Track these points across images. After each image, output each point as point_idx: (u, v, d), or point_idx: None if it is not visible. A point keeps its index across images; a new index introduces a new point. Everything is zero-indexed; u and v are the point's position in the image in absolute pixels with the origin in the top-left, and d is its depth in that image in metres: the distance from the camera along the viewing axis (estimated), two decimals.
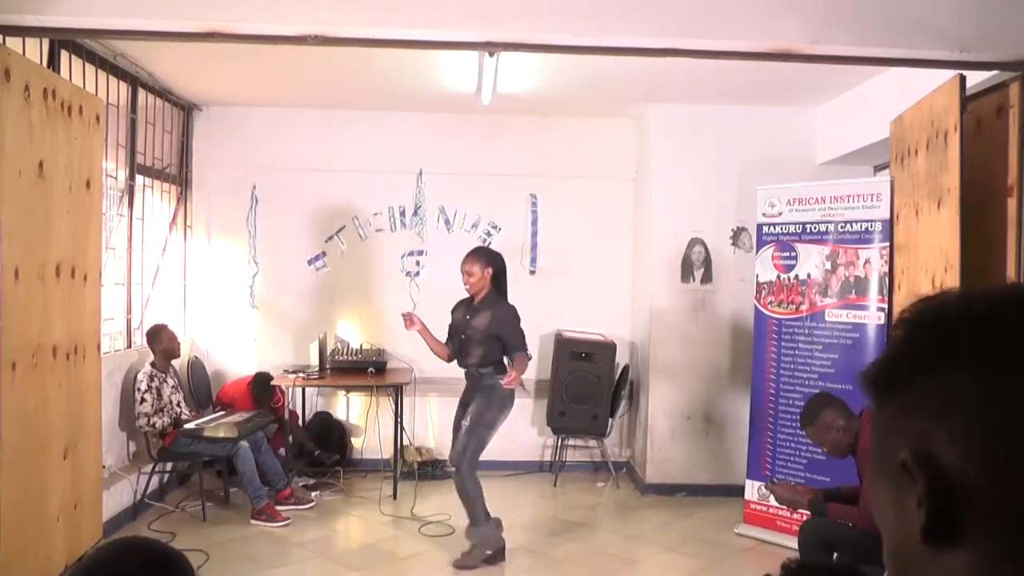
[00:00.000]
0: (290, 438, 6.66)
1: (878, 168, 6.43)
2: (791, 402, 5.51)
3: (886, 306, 5.06)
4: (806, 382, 5.44)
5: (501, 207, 7.31)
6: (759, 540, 5.57)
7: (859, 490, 3.94)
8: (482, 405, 4.93)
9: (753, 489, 5.71)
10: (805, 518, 4.32)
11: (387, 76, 5.99)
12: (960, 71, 4.15)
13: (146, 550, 1.39)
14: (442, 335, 5.14)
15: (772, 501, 5.42)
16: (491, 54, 4.74)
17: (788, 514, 5.25)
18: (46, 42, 4.67)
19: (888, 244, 5.07)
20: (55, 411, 4.35)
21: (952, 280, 4.10)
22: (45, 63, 4.64)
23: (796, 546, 4.17)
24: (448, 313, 5.19)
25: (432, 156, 7.23)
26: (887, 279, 5.07)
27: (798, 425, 5.40)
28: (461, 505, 4.93)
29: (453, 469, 4.99)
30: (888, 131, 5.11)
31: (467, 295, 5.06)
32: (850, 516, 3.84)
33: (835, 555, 3.95)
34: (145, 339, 5.97)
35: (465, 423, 4.93)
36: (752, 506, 5.71)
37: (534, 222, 7.34)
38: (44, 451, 4.25)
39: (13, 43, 4.06)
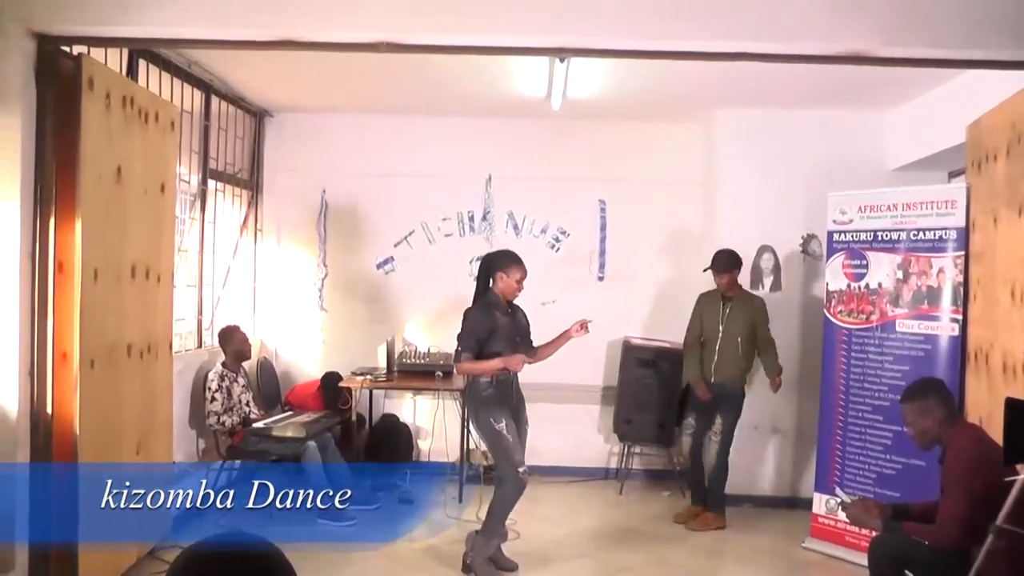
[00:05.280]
0: (363, 434, 6.70)
1: (953, 174, 6.24)
2: (860, 414, 5.38)
3: (960, 317, 4.91)
4: (876, 394, 5.30)
5: (569, 212, 7.29)
6: (827, 555, 5.44)
7: (931, 506, 3.82)
8: (525, 405, 5.02)
9: (821, 502, 5.58)
10: (874, 534, 4.21)
11: (457, 82, 6.04)
12: None
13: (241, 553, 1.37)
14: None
15: (840, 516, 5.32)
16: (561, 59, 4.74)
17: (857, 530, 5.12)
18: (125, 51, 4.82)
19: (963, 253, 4.92)
20: (129, 407, 4.50)
21: None
22: (124, 72, 4.79)
23: (865, 562, 4.07)
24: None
25: (501, 161, 7.26)
26: (962, 289, 4.93)
27: (867, 438, 5.30)
28: (515, 509, 4.93)
29: (528, 473, 4.88)
30: (964, 136, 4.96)
31: (491, 300, 5.00)
32: (927, 535, 3.71)
33: (906, 572, 3.86)
34: (216, 339, 6.11)
35: (527, 428, 4.99)
36: (820, 520, 5.59)
37: (602, 228, 7.31)
38: (118, 446, 4.38)
39: (96, 53, 4.20)
